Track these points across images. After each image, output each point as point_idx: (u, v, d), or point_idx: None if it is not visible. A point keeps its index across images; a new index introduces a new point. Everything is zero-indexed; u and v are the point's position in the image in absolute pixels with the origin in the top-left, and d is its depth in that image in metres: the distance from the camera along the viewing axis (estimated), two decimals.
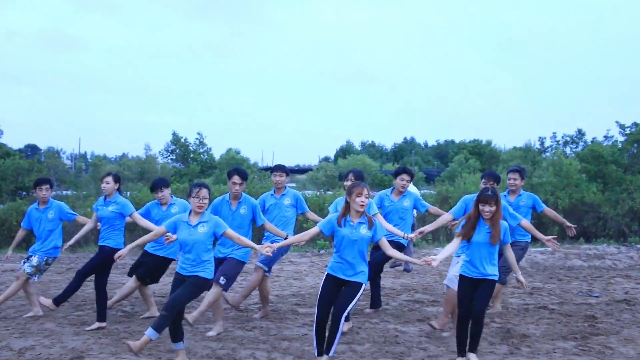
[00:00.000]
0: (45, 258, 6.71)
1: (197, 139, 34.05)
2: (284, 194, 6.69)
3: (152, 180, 7.06)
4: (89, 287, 8.40)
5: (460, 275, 5.07)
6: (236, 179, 6.11)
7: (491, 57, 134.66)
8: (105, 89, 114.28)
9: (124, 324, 6.41)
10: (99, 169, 30.50)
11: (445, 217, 6.26)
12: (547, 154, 30.08)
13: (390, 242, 5.34)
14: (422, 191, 21.45)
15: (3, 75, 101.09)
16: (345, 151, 51.49)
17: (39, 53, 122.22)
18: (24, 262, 6.71)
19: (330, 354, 4.80)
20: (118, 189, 6.51)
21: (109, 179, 6.48)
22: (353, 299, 4.81)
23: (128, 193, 18.78)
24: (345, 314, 4.76)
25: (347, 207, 4.87)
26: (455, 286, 5.58)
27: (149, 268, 6.67)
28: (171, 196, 6.83)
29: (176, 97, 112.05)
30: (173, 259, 6.70)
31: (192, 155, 33.69)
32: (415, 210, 6.95)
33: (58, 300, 6.45)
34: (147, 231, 5.98)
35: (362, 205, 4.81)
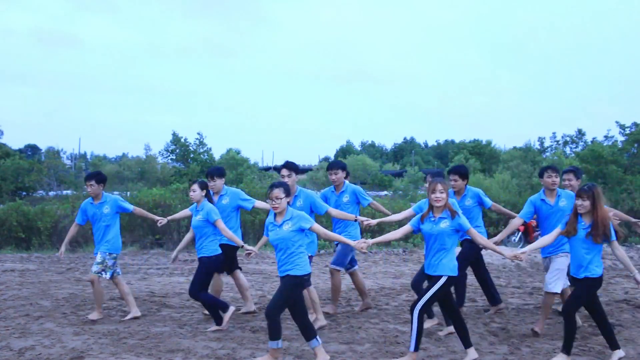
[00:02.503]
0: (108, 253, 6.66)
1: (197, 139, 33.95)
2: (343, 191, 6.74)
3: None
4: (88, 287, 8.40)
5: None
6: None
7: (491, 57, 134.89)
8: (105, 88, 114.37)
9: (124, 324, 6.41)
10: (99, 169, 30.55)
11: (515, 222, 6.20)
12: (547, 154, 30.12)
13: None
14: (421, 192, 21.35)
15: (2, 75, 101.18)
16: (345, 151, 51.47)
17: (37, 52, 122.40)
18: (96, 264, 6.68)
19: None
20: (205, 195, 6.28)
21: (195, 186, 6.22)
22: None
23: (128, 193, 18.79)
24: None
25: None
26: (556, 289, 5.84)
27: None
28: (224, 186, 6.75)
29: (176, 97, 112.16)
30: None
31: (192, 155, 33.65)
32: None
33: None
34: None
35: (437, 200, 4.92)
